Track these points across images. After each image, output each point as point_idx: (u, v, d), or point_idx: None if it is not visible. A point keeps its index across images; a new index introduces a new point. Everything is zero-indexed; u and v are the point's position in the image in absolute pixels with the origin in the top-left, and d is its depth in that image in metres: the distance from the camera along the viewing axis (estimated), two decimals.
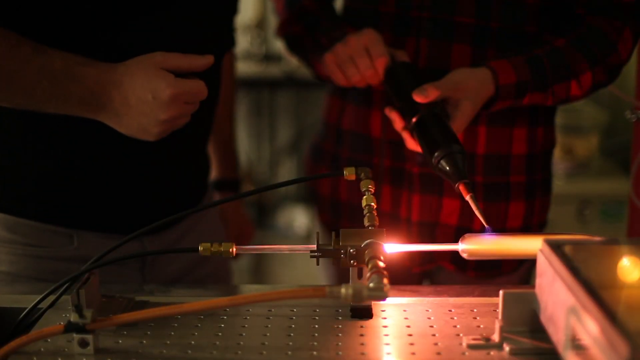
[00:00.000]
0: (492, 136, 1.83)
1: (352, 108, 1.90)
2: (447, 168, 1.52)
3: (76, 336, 1.20)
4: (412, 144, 1.67)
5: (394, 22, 1.80)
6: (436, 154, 1.54)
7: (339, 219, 2.00)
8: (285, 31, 2.02)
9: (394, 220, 1.89)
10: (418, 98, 1.63)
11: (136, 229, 1.58)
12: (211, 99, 1.67)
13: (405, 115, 1.67)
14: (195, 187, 1.82)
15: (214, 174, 2.08)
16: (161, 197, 1.69)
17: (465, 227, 1.86)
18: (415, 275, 1.97)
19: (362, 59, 1.71)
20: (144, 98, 1.43)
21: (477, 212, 1.46)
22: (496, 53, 1.76)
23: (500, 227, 1.88)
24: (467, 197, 1.47)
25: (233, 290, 1.55)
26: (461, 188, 1.49)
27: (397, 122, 1.69)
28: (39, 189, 1.61)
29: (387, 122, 1.76)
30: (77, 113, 1.47)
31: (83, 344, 1.21)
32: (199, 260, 1.76)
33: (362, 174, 1.46)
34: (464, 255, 1.34)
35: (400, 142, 1.75)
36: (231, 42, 1.95)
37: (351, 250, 1.31)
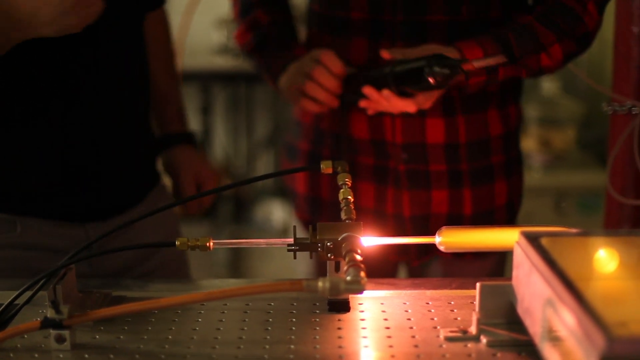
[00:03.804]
0: (470, 124, 1.86)
1: (331, 110, 1.91)
2: (444, 68, 1.59)
3: (53, 332, 1.20)
4: (398, 100, 1.69)
5: (367, 27, 1.81)
6: (425, 69, 1.60)
7: (316, 216, 2.00)
8: (240, 42, 2.04)
9: (379, 216, 1.91)
10: (384, 54, 1.70)
11: (79, 216, 1.58)
12: (139, 70, 1.67)
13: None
14: (141, 173, 1.80)
15: (159, 132, 2.02)
16: (105, 183, 1.68)
17: (456, 213, 1.90)
18: (416, 268, 2.00)
19: (318, 71, 1.75)
20: None
21: (490, 61, 1.60)
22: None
23: (489, 208, 1.93)
24: (480, 61, 1.61)
25: (210, 284, 1.54)
26: (471, 66, 1.60)
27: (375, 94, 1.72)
28: None
29: (370, 122, 1.79)
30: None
31: (60, 339, 1.20)
32: (148, 250, 1.76)
33: (339, 168, 1.46)
34: (441, 248, 1.35)
35: (383, 140, 1.81)
36: (157, 1, 1.94)
37: (328, 244, 1.30)
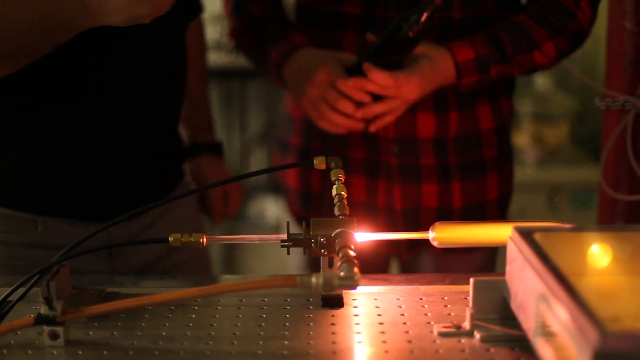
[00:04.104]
0: (461, 118, 1.88)
1: None
2: (419, 20, 1.62)
3: (46, 328, 1.20)
4: (378, 72, 1.70)
5: (359, 22, 1.81)
6: (403, 25, 1.63)
7: (308, 210, 2.00)
8: (236, 40, 2.03)
9: (370, 210, 1.91)
10: (368, 36, 1.75)
11: (101, 216, 1.57)
12: (177, 76, 1.66)
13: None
14: (166, 174, 1.80)
15: (188, 139, 2.03)
16: (128, 184, 1.68)
17: (445, 207, 1.91)
18: (407, 261, 2.01)
19: (344, 104, 1.75)
20: None
21: None
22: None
23: (480, 201, 1.94)
24: None
25: (204, 280, 1.54)
26: None
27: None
28: (1, 175, 1.60)
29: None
30: (62, 30, 1.42)
31: (53, 336, 1.20)
32: (169, 248, 1.76)
33: (332, 164, 1.46)
34: (435, 244, 1.35)
35: (375, 134, 1.82)
36: (198, 9, 1.93)
37: (322, 240, 1.30)
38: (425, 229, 1.36)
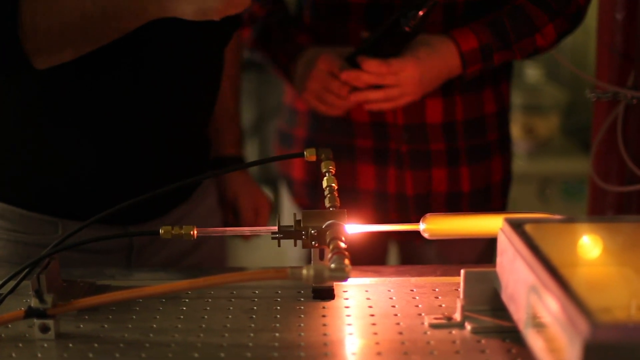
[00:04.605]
0: (467, 103, 1.90)
1: None
2: (417, 16, 1.65)
3: (37, 321, 1.20)
4: (372, 62, 1.72)
5: (365, 12, 1.81)
6: (401, 20, 1.66)
7: (316, 201, 2.01)
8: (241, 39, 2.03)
9: (380, 197, 1.92)
10: (364, 32, 1.76)
11: (122, 218, 1.56)
12: (213, 82, 1.64)
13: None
14: (189, 175, 1.78)
15: (215, 150, 1.98)
16: (149, 189, 1.66)
17: (456, 191, 1.93)
18: (407, 246, 2.06)
19: (334, 85, 1.77)
20: None
21: None
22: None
23: (486, 185, 1.96)
24: None
25: (195, 273, 1.54)
26: None
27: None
28: (24, 177, 1.59)
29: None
30: (130, 17, 1.39)
31: (44, 329, 1.20)
32: (189, 248, 1.75)
33: (323, 155, 1.46)
34: (425, 235, 1.35)
35: (384, 122, 1.85)
36: (239, 21, 1.91)
37: (312, 232, 1.31)
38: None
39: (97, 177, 1.61)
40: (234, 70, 1.98)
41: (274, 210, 2.15)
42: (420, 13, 1.63)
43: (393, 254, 2.17)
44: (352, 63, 1.75)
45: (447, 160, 1.90)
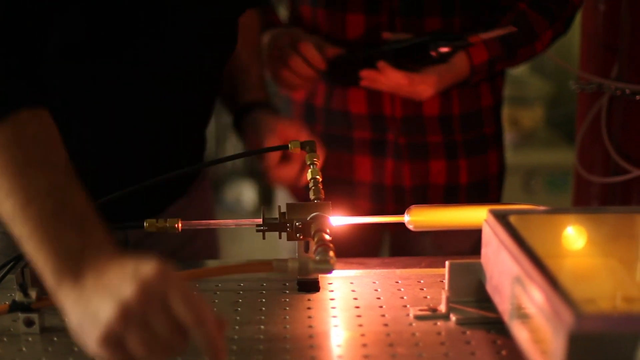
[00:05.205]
0: (463, 96, 1.89)
1: (325, 87, 1.91)
2: (449, 43, 1.68)
3: (21, 315, 1.19)
4: (393, 72, 1.71)
5: (364, 2, 1.81)
6: (430, 45, 1.69)
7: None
8: None
9: (377, 189, 1.92)
10: (386, 35, 1.76)
11: (119, 218, 1.55)
12: (212, 84, 1.64)
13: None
14: (186, 178, 1.76)
15: (238, 99, 1.85)
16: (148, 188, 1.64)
17: (453, 183, 1.92)
18: (403, 236, 2.03)
19: (296, 62, 1.78)
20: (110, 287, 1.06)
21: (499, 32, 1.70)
22: (462, 22, 1.81)
23: (483, 177, 1.96)
24: (488, 33, 1.71)
25: (188, 266, 1.54)
26: (477, 38, 1.70)
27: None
28: None
29: (368, 97, 1.84)
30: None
31: (29, 323, 1.20)
32: (184, 241, 1.74)
33: (307, 147, 1.46)
34: (410, 227, 1.35)
35: (381, 114, 1.85)
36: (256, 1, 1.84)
37: (297, 224, 1.30)
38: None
39: (92, 175, 1.60)
40: (255, 40, 1.89)
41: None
42: (451, 47, 1.69)
43: (388, 245, 2.17)
44: (362, 63, 1.75)
45: (445, 152, 1.90)
